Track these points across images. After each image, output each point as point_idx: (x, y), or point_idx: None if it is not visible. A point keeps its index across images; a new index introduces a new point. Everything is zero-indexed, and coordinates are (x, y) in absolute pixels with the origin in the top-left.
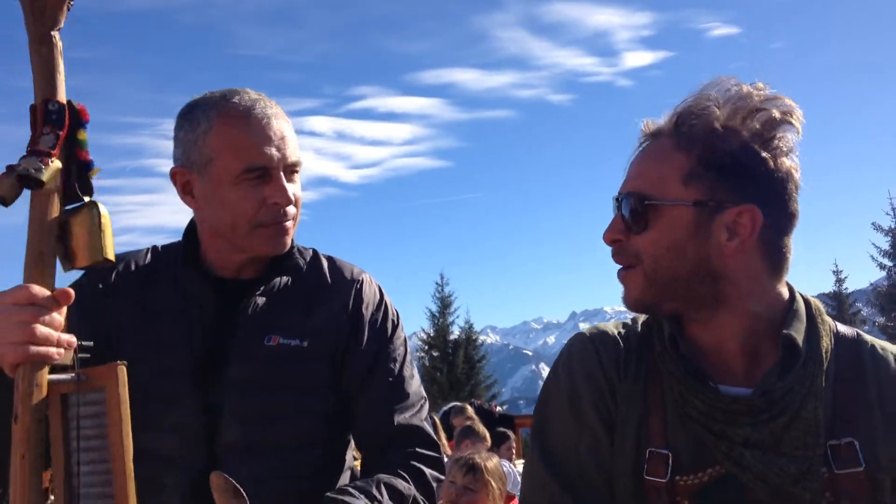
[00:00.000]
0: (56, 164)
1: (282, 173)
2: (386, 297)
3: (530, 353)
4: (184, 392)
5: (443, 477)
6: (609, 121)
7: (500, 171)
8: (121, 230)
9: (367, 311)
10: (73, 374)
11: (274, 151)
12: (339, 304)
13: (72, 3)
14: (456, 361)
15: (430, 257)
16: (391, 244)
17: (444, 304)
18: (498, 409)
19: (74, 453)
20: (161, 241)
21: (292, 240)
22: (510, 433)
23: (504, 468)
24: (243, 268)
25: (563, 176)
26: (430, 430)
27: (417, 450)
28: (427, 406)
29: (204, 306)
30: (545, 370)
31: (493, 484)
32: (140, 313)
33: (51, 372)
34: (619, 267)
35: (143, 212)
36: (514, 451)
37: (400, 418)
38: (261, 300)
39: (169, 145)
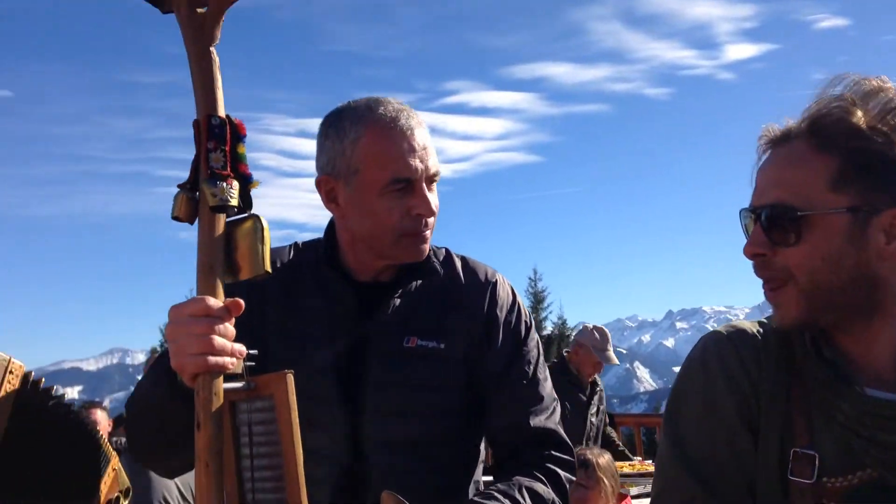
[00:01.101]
0: (236, 185)
1: (424, 184)
2: (518, 299)
3: (624, 352)
4: (330, 390)
5: (574, 478)
6: (709, 115)
7: (593, 166)
8: None
9: (502, 313)
10: (244, 383)
11: (418, 163)
12: (473, 305)
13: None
14: (549, 357)
15: (522, 253)
16: (483, 239)
17: (538, 299)
18: None
19: (246, 459)
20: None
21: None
22: (614, 432)
23: None
24: (381, 272)
25: (660, 172)
26: (563, 433)
27: (553, 453)
28: (559, 408)
29: (346, 307)
30: (639, 369)
31: (606, 481)
32: (286, 311)
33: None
34: (761, 283)
35: None
36: (621, 449)
37: (535, 421)
38: (398, 302)
39: (267, 139)
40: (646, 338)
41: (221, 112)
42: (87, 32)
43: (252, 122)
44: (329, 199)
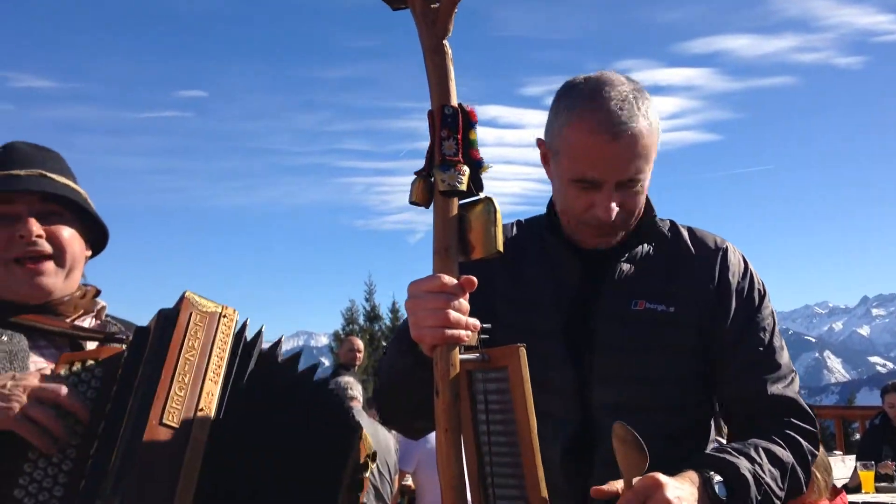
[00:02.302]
0: (466, 170)
1: (611, 188)
2: (751, 266)
3: (813, 340)
4: (558, 352)
5: (817, 453)
6: None
7: (778, 143)
8: (398, 209)
9: (734, 280)
10: (478, 354)
11: (606, 170)
12: (704, 272)
13: (455, 9)
14: None
15: None
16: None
17: None
18: None
19: (482, 425)
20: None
21: (652, 209)
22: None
23: None
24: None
25: (853, 147)
26: (804, 402)
27: (793, 420)
28: (798, 379)
29: (570, 272)
30: (831, 358)
31: (819, 475)
32: (513, 281)
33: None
34: None
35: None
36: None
37: (773, 388)
38: (625, 266)
39: None
40: (837, 325)
41: (454, 102)
42: (269, 32)
43: (423, 111)
44: (543, 159)
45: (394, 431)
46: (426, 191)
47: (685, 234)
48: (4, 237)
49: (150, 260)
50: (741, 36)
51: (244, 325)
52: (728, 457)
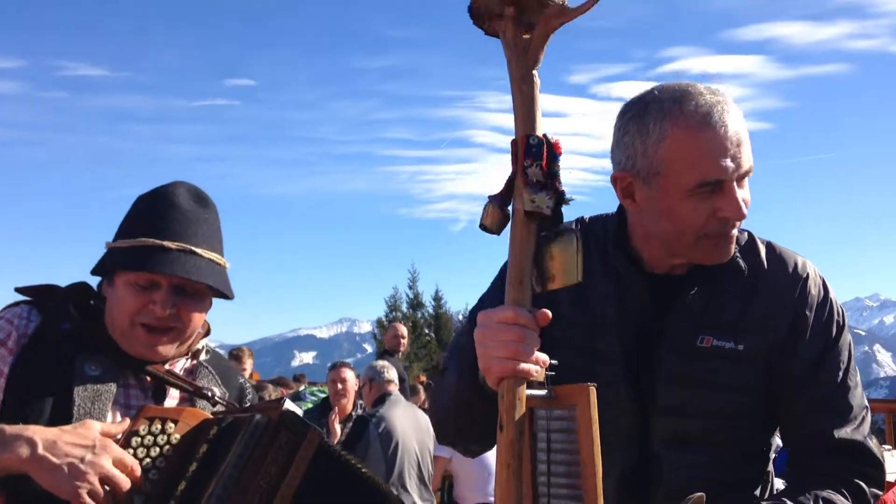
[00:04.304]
0: (554, 197)
1: (735, 184)
2: (832, 294)
3: (863, 333)
4: (617, 377)
5: (881, 493)
6: None
7: (831, 132)
8: (441, 198)
9: (811, 314)
10: (546, 391)
11: (729, 163)
12: (779, 300)
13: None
14: None
15: (752, 227)
16: None
17: None
18: None
19: (542, 464)
20: (477, 208)
21: None
22: None
23: None
24: (675, 266)
25: None
26: (872, 446)
27: (858, 466)
28: (869, 418)
29: (637, 297)
30: (881, 352)
31: None
32: (573, 292)
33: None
34: None
35: (460, 180)
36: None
37: (841, 432)
38: (694, 296)
39: (482, 116)
40: (889, 318)
41: (539, 132)
42: (315, 21)
43: (466, 100)
44: (625, 195)
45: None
46: (500, 217)
47: (763, 253)
48: (140, 302)
49: None
50: (794, 23)
51: (326, 446)
52: None
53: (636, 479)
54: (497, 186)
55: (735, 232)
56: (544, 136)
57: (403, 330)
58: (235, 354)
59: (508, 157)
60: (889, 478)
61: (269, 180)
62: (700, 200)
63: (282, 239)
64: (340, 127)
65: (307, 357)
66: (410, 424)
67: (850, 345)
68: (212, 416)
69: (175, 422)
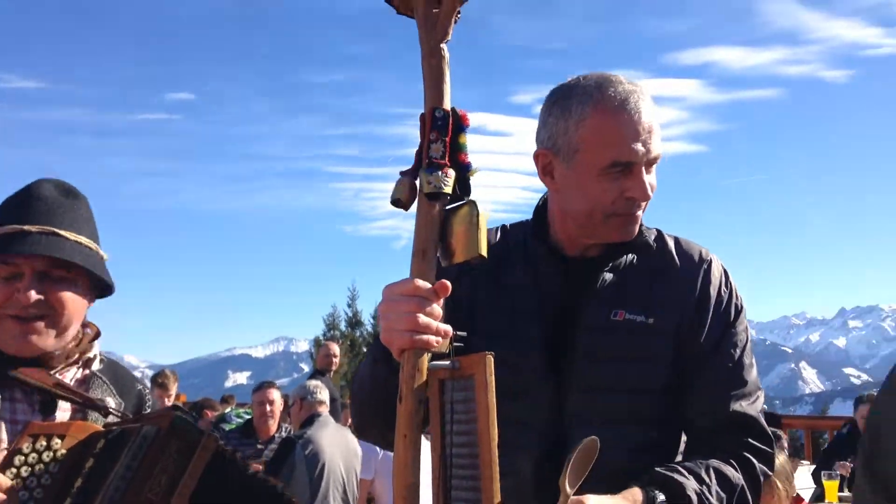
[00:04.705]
0: (452, 173)
1: (643, 168)
2: (732, 281)
3: (790, 351)
4: (537, 361)
5: (771, 473)
6: (895, 98)
7: (763, 155)
8: (385, 215)
9: (714, 292)
10: (449, 362)
11: (640, 147)
12: (685, 282)
13: (459, 15)
14: None
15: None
16: None
17: None
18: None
19: (448, 435)
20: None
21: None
22: (780, 433)
23: None
24: (589, 248)
25: (837, 160)
26: (764, 422)
27: (750, 440)
28: (763, 398)
29: (554, 281)
30: (806, 369)
31: (780, 485)
32: (494, 288)
33: (431, 359)
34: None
35: None
36: (786, 452)
37: (736, 405)
38: (608, 276)
39: None
40: (814, 336)
41: (447, 105)
42: (259, 35)
43: (413, 118)
44: (545, 172)
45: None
46: (410, 191)
47: (671, 243)
48: (6, 293)
49: (138, 260)
50: (731, 48)
51: (222, 451)
52: (677, 476)
53: (552, 458)
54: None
55: (640, 213)
56: (452, 108)
57: (335, 349)
58: (160, 382)
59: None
60: (802, 493)
61: (212, 196)
62: (611, 180)
63: (222, 256)
64: (286, 142)
65: (241, 377)
66: (338, 446)
67: (747, 328)
68: (101, 429)
69: (62, 437)
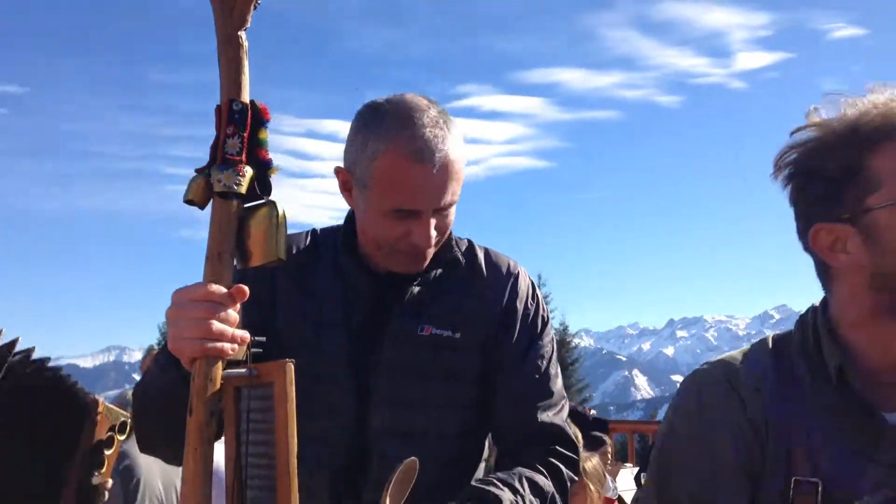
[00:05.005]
0: (249, 172)
1: (429, 216)
2: (539, 293)
3: (624, 359)
4: (339, 374)
5: (577, 479)
6: (720, 124)
7: (602, 173)
8: None
9: (521, 305)
10: (246, 369)
11: (427, 199)
12: (493, 295)
13: (258, 2)
14: None
15: (527, 258)
16: (489, 243)
17: None
18: (592, 412)
19: (244, 445)
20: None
21: (450, 232)
22: (606, 438)
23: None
24: None
25: (669, 180)
26: (570, 430)
27: (557, 448)
28: (567, 407)
29: (361, 293)
30: (638, 377)
31: (592, 487)
32: (299, 294)
33: (226, 366)
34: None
35: None
36: (609, 457)
37: (543, 416)
38: (416, 290)
39: (276, 139)
40: (646, 346)
41: (245, 97)
42: (99, 29)
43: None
44: (344, 188)
45: None
46: (205, 190)
47: (480, 256)
48: None
49: None
50: (575, 70)
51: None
52: (492, 489)
53: (352, 473)
54: (291, 211)
55: (430, 251)
56: (251, 101)
57: None
58: None
59: (304, 182)
60: (624, 494)
61: (42, 195)
62: (397, 220)
63: (50, 259)
64: (123, 141)
65: None
66: (156, 461)
67: (553, 338)
68: None
69: None
